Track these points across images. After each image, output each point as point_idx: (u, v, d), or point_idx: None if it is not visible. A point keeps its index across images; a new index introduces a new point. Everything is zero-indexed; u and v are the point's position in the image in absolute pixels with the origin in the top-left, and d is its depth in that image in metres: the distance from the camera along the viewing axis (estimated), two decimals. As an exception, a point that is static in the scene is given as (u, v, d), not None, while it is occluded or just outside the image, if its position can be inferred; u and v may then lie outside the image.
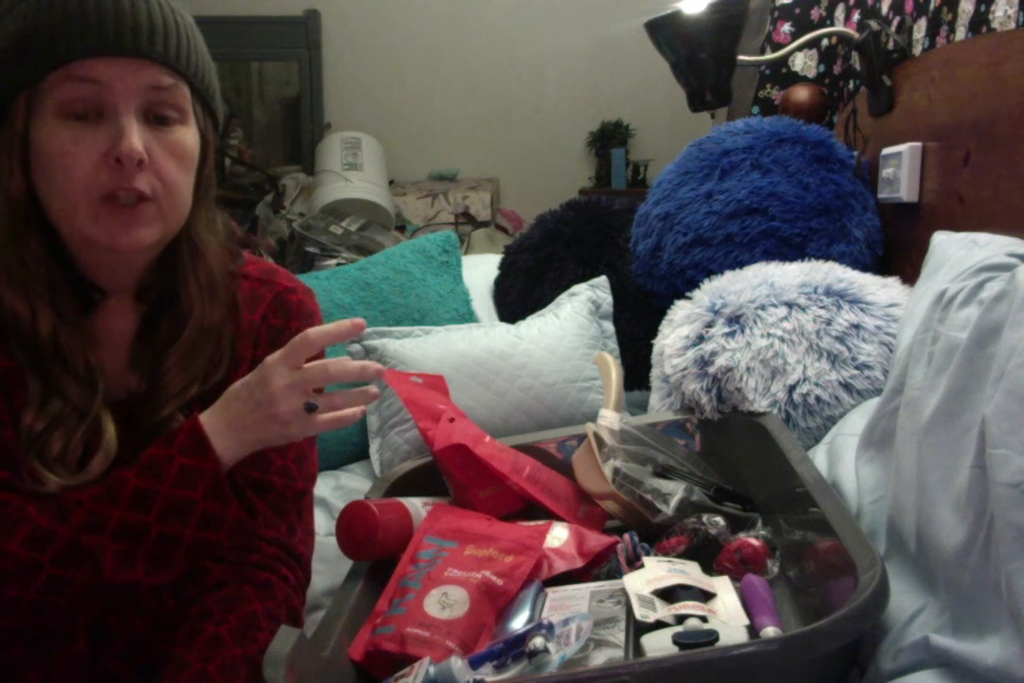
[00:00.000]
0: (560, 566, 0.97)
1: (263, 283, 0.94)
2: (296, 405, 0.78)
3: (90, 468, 0.79)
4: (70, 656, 0.82)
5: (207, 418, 0.79)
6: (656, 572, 0.92)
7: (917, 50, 1.54)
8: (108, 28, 0.75)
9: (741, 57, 1.70)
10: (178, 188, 0.81)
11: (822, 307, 1.28)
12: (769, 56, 1.89)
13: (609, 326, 1.77)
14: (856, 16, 1.84)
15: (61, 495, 0.76)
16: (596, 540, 1.02)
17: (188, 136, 0.81)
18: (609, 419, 1.21)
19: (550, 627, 0.80)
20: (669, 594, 0.88)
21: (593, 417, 1.23)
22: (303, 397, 0.78)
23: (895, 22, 1.60)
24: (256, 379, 0.79)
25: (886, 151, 1.56)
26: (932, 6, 1.46)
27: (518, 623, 0.87)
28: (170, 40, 0.78)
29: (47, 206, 0.79)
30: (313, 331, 0.79)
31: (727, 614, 0.85)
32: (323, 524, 1.38)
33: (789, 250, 1.55)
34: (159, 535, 0.76)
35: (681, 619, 0.83)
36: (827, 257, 1.51)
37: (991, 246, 1.01)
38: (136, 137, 0.75)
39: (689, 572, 0.93)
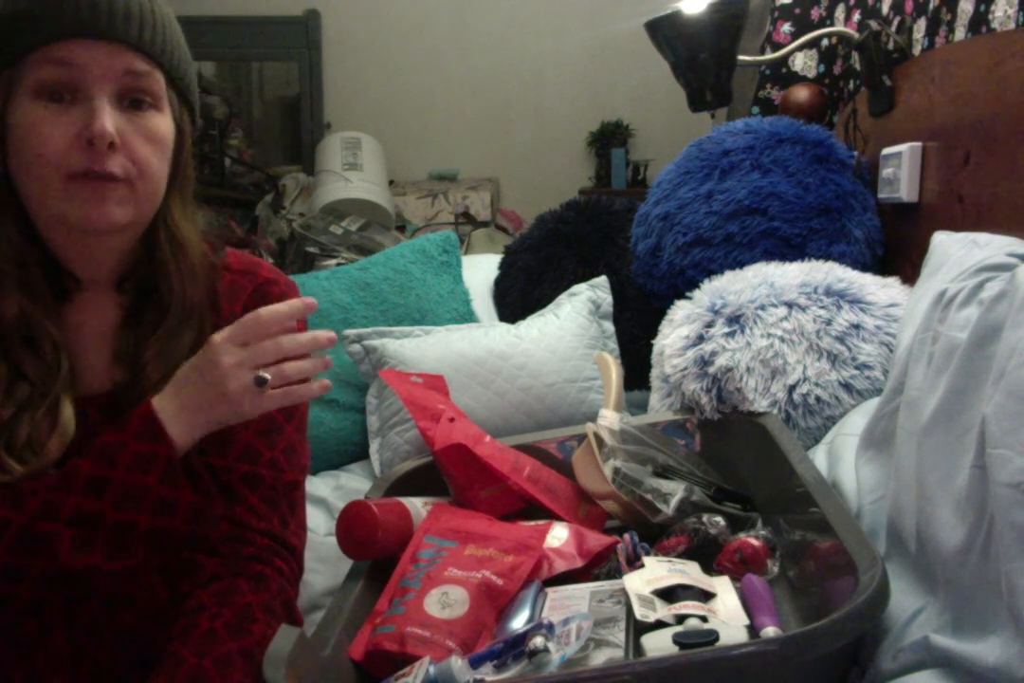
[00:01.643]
0: (560, 566, 0.97)
1: (244, 274, 0.94)
2: (246, 382, 0.77)
3: (47, 451, 0.79)
4: (50, 651, 0.82)
5: (159, 402, 0.78)
6: (656, 572, 0.92)
7: (917, 50, 1.54)
8: (84, 11, 0.76)
9: (741, 57, 1.70)
10: (151, 171, 0.81)
11: (822, 307, 1.28)
12: (769, 56, 1.89)
13: (609, 326, 1.77)
14: (856, 16, 1.84)
15: (16, 484, 0.76)
16: (596, 540, 1.02)
17: (162, 123, 0.82)
18: (609, 419, 1.21)
19: (550, 627, 0.81)
20: (669, 594, 0.88)
21: (593, 417, 1.23)
22: (252, 373, 0.77)
23: (895, 22, 1.60)
24: (203, 359, 0.78)
25: (886, 151, 1.56)
26: (932, 6, 1.46)
27: (518, 623, 0.87)
28: (145, 27, 0.79)
29: (21, 188, 0.80)
30: (264, 310, 0.78)
31: (727, 614, 0.85)
32: (323, 524, 1.38)
33: (789, 250, 1.55)
34: (114, 521, 0.76)
35: (681, 619, 0.83)
36: (827, 257, 1.51)
37: (991, 246, 1.01)
38: (108, 119, 0.76)
39: (689, 572, 0.93)
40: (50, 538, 0.74)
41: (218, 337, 0.78)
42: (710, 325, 1.31)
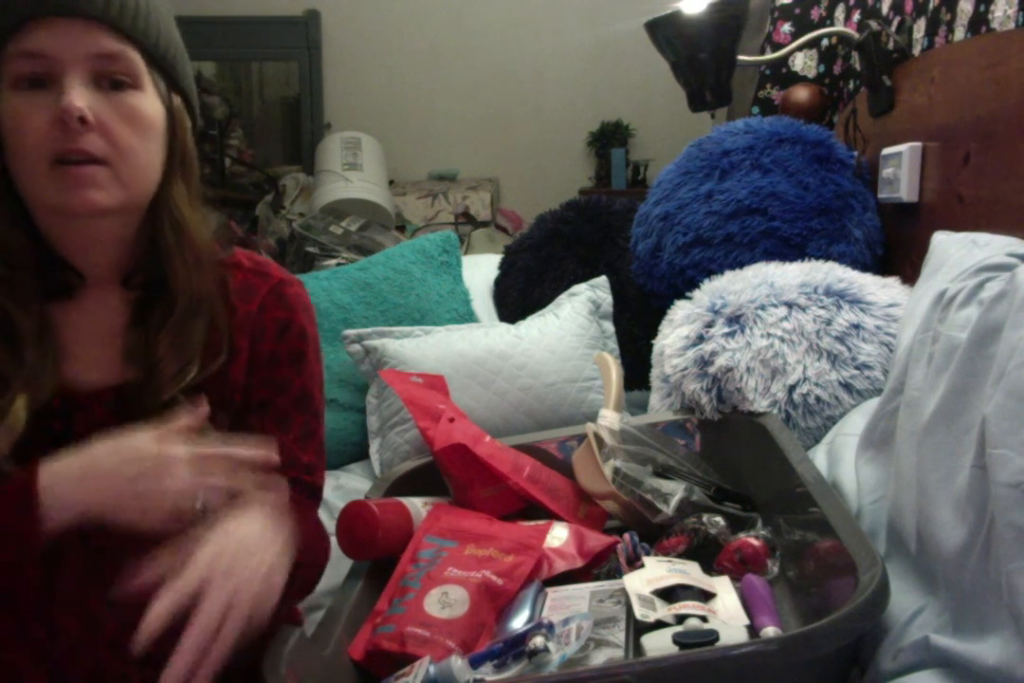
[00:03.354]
0: (560, 566, 0.97)
1: (256, 274, 0.94)
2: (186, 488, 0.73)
3: None
4: (57, 645, 0.81)
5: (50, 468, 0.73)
6: (656, 572, 0.92)
7: (917, 50, 1.54)
8: None
9: (741, 57, 1.70)
10: (132, 152, 0.80)
11: (822, 307, 1.28)
12: (769, 56, 1.89)
13: (609, 326, 1.77)
14: (856, 16, 1.84)
15: None
16: (596, 540, 1.02)
17: (143, 102, 0.81)
18: (609, 419, 1.21)
19: (550, 626, 0.81)
20: (669, 594, 0.88)
21: (593, 417, 1.23)
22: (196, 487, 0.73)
23: (895, 22, 1.60)
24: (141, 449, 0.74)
25: (886, 151, 1.56)
26: (932, 6, 1.46)
27: (518, 622, 0.87)
28: (113, 2, 0.78)
29: (15, 179, 0.80)
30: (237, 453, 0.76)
31: (727, 614, 0.85)
32: (323, 524, 1.38)
33: (789, 250, 1.55)
34: None
35: (681, 619, 0.83)
36: (827, 257, 1.51)
37: (991, 246, 1.01)
38: (76, 97, 0.76)
39: (689, 572, 0.93)
40: None
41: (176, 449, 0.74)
42: (710, 325, 1.31)
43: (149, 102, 0.82)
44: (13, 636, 0.82)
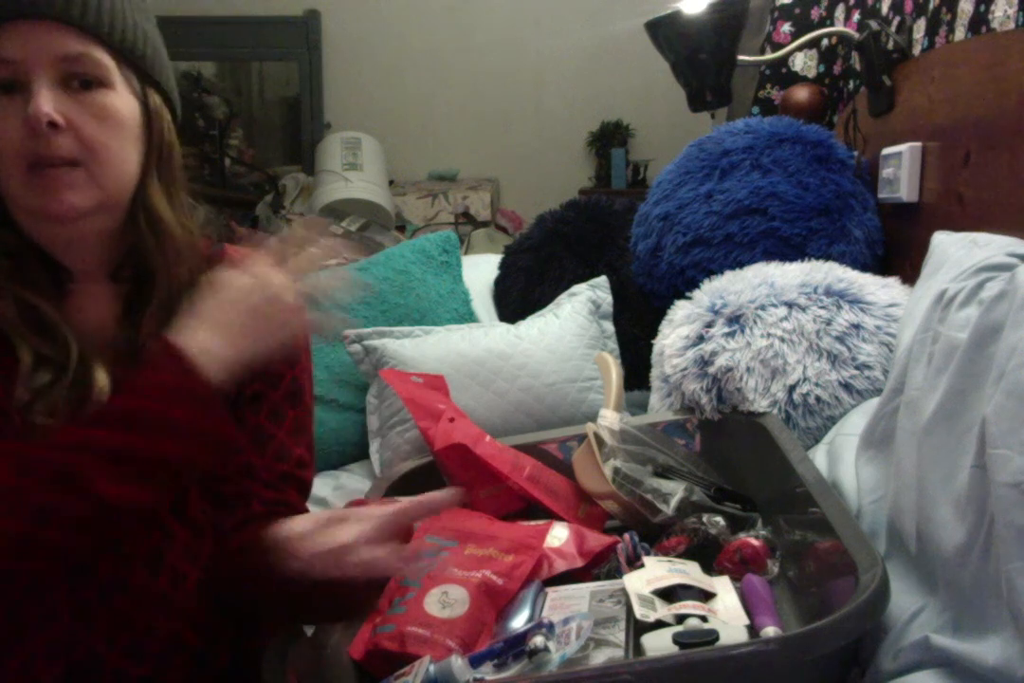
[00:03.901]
0: (560, 566, 0.97)
1: None
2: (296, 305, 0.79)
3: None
4: (48, 638, 0.80)
5: (185, 340, 0.76)
6: (656, 572, 0.92)
7: (917, 50, 1.54)
8: None
9: (741, 57, 1.70)
10: (106, 151, 0.80)
11: (822, 307, 1.28)
12: (769, 56, 1.89)
13: (609, 326, 1.77)
14: (856, 16, 1.84)
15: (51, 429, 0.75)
16: (596, 540, 1.02)
17: (114, 100, 0.81)
18: (609, 419, 1.21)
19: (550, 626, 0.81)
20: (669, 594, 0.88)
21: (593, 417, 1.23)
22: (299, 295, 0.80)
23: (895, 22, 1.61)
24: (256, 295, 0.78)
25: (886, 151, 1.56)
26: (932, 6, 1.46)
27: (518, 622, 0.87)
28: (75, 1, 0.77)
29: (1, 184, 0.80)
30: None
31: (727, 614, 0.85)
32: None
33: (789, 250, 1.55)
34: (149, 455, 0.74)
35: (681, 619, 0.83)
36: (827, 257, 1.51)
37: (991, 246, 1.01)
38: (43, 101, 0.76)
39: (689, 572, 0.93)
40: (84, 473, 0.72)
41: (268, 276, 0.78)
42: (710, 325, 1.31)
43: (121, 100, 0.81)
44: (36, 625, 0.81)
